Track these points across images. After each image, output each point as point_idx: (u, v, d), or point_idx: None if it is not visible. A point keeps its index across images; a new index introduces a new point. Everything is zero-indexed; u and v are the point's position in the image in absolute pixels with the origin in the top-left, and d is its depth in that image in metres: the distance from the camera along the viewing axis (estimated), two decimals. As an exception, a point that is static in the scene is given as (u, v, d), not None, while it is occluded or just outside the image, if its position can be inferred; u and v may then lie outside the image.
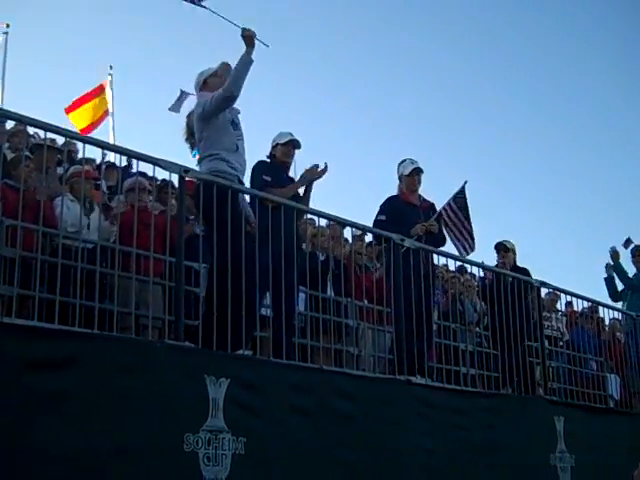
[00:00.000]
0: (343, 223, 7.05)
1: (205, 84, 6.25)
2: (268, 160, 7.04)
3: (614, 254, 10.76)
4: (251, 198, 6.21)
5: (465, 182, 7.81)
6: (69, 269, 5.51)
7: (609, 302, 10.51)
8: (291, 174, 7.50)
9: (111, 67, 14.05)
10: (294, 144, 7.01)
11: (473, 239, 7.97)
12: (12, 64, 14.11)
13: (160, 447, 4.60)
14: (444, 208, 7.71)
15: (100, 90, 13.73)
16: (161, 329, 5.99)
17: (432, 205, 7.89)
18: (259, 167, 6.88)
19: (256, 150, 6.93)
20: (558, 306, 10.50)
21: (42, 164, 5.94)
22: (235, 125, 6.20)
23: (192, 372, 4.94)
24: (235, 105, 6.23)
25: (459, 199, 7.75)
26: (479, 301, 9.60)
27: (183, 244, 5.40)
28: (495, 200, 30.41)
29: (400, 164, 7.91)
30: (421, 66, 29.63)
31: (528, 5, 29.07)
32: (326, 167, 6.95)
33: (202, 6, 6.11)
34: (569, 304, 10.34)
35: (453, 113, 30.54)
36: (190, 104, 6.36)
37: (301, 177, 7.06)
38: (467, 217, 7.77)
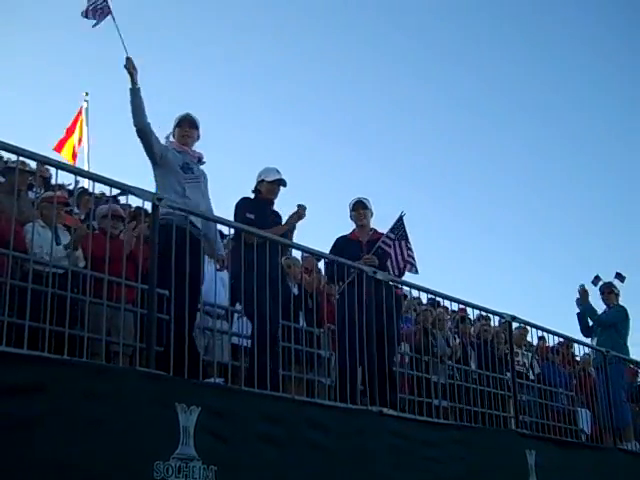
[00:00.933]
0: (316, 255, 7.04)
1: (174, 135, 6.51)
2: (252, 195, 7.00)
3: (583, 293, 10.58)
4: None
5: (402, 213, 7.73)
6: (39, 294, 5.46)
7: (581, 337, 10.55)
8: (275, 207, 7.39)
9: (87, 94, 14.08)
10: (280, 182, 6.97)
11: (414, 260, 7.72)
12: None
13: (130, 475, 4.53)
14: (382, 241, 7.59)
15: (78, 118, 13.76)
16: (132, 356, 5.92)
17: (378, 239, 7.68)
18: (243, 204, 6.83)
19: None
20: (529, 339, 10.50)
21: (13, 187, 5.89)
22: (187, 169, 6.25)
23: (163, 400, 4.87)
24: (198, 150, 6.48)
25: (397, 230, 7.65)
26: (451, 334, 9.63)
27: (156, 271, 5.36)
28: (468, 232, 30.69)
29: (350, 202, 7.88)
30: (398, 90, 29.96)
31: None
32: (304, 209, 6.91)
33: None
34: (541, 339, 10.37)
35: (424, 141, 30.89)
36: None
37: (287, 221, 6.95)
38: (405, 240, 7.61)
